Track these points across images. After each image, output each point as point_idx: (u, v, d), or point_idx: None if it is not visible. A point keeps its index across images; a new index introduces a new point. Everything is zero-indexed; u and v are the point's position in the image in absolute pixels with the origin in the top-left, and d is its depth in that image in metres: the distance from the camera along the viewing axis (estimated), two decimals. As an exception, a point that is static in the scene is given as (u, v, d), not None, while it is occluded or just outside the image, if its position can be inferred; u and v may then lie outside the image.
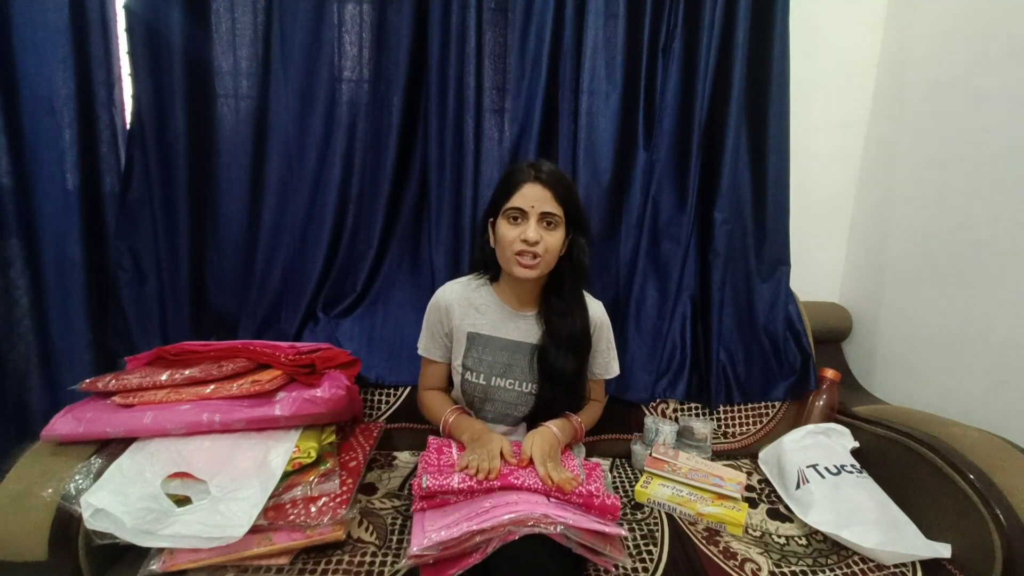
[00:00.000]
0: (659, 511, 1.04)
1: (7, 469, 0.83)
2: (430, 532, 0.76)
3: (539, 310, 1.05)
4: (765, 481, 1.18)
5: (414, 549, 0.75)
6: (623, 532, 0.83)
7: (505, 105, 1.35)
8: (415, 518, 0.82)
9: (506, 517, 0.75)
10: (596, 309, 1.08)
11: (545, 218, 0.93)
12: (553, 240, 0.95)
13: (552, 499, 0.83)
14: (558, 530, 0.75)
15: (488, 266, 1.07)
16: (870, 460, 1.13)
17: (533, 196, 0.92)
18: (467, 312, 1.05)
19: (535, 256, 0.94)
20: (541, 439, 0.94)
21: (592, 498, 0.83)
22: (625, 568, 0.86)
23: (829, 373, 1.34)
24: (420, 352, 1.10)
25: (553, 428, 0.98)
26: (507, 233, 0.94)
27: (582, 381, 1.07)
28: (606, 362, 1.12)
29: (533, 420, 1.03)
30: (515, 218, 0.94)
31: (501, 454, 0.88)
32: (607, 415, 1.21)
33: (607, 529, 0.80)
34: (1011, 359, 1.12)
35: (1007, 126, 1.14)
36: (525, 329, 1.04)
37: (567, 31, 1.28)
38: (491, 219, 1.01)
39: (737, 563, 0.90)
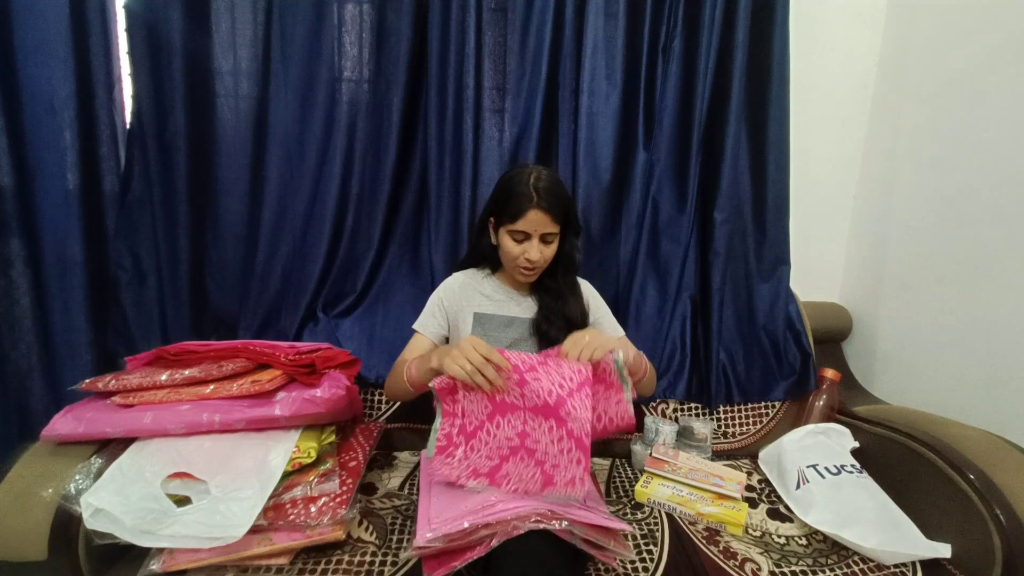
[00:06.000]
0: (659, 511, 1.04)
1: (7, 469, 0.83)
2: (436, 524, 0.76)
3: (533, 290, 1.14)
4: (765, 481, 1.18)
5: (420, 540, 0.75)
6: (628, 528, 0.83)
7: (505, 105, 1.35)
8: (420, 506, 0.82)
9: (511, 513, 0.75)
10: (585, 286, 1.18)
11: (545, 237, 1.03)
12: (551, 251, 1.05)
13: None
14: (563, 526, 0.75)
15: (490, 259, 1.15)
16: (870, 460, 1.13)
17: (536, 221, 1.00)
18: (473, 296, 1.13)
19: (535, 268, 1.05)
20: (587, 331, 0.92)
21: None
22: (631, 560, 0.86)
23: (829, 373, 1.34)
24: (415, 327, 1.13)
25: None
26: (512, 249, 1.03)
27: None
28: (610, 322, 1.17)
29: None
30: (519, 240, 1.03)
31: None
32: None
33: (612, 524, 0.80)
34: (1011, 359, 1.12)
35: (1007, 126, 1.14)
36: (526, 307, 1.13)
37: (567, 31, 1.28)
38: (491, 218, 1.07)
39: (737, 563, 0.90)
